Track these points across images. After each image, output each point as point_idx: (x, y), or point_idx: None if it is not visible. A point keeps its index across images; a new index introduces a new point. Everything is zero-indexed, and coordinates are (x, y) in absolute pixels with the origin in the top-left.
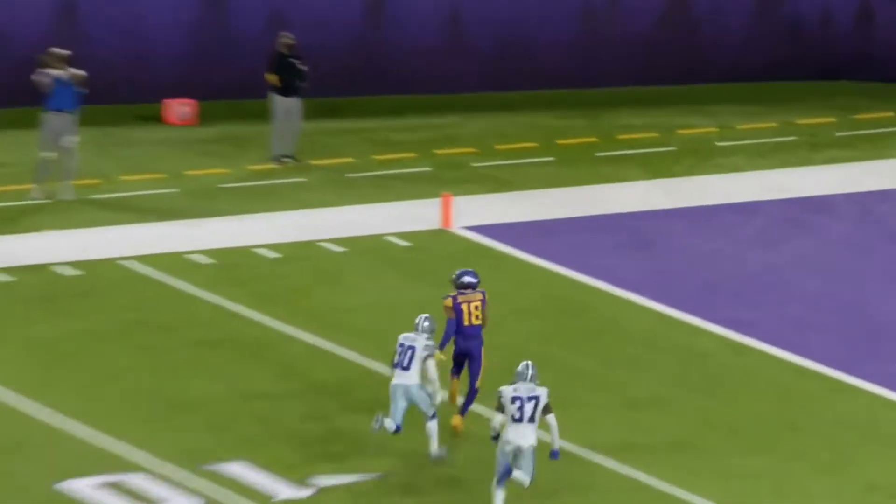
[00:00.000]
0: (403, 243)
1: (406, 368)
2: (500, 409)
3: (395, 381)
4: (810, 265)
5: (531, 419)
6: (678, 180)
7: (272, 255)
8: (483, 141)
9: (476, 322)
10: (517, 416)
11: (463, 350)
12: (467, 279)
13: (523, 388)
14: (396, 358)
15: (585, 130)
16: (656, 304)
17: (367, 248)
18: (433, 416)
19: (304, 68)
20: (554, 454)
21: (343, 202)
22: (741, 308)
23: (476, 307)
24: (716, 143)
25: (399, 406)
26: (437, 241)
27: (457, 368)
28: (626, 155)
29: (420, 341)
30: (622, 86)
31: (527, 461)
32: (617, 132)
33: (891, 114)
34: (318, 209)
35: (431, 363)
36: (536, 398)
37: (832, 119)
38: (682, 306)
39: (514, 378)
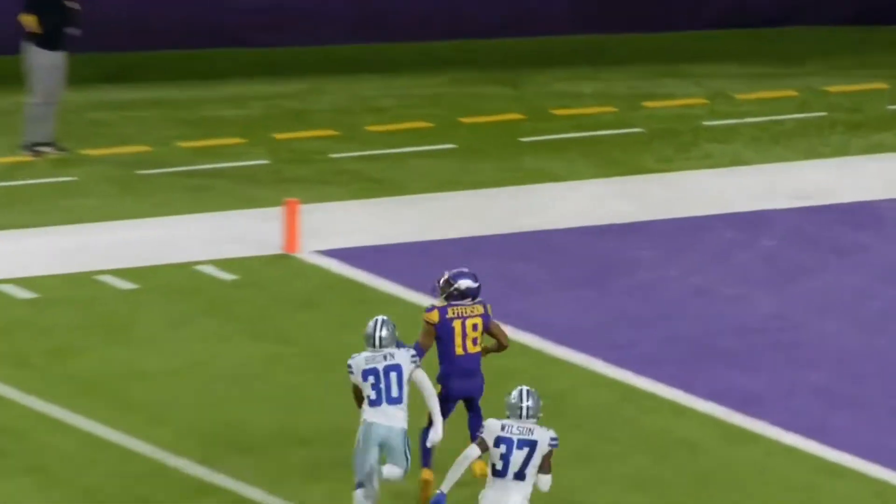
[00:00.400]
0: (225, 276)
1: (396, 400)
2: (481, 444)
3: (373, 419)
4: (843, 309)
5: (519, 475)
6: (646, 179)
7: (23, 294)
8: (347, 119)
9: (475, 349)
10: (499, 467)
11: (458, 393)
12: (465, 283)
13: (516, 428)
14: (372, 393)
15: (504, 103)
16: (613, 370)
17: (170, 285)
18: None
19: (75, 6)
20: None
21: (133, 213)
22: (740, 374)
23: (475, 326)
24: (704, 121)
25: (370, 458)
26: (276, 273)
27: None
28: (566, 140)
29: (402, 355)
30: (561, 34)
31: None
32: (553, 105)
33: None
34: (95, 224)
35: (423, 375)
36: (531, 445)
37: (881, 85)
38: (652, 372)
39: (506, 411)
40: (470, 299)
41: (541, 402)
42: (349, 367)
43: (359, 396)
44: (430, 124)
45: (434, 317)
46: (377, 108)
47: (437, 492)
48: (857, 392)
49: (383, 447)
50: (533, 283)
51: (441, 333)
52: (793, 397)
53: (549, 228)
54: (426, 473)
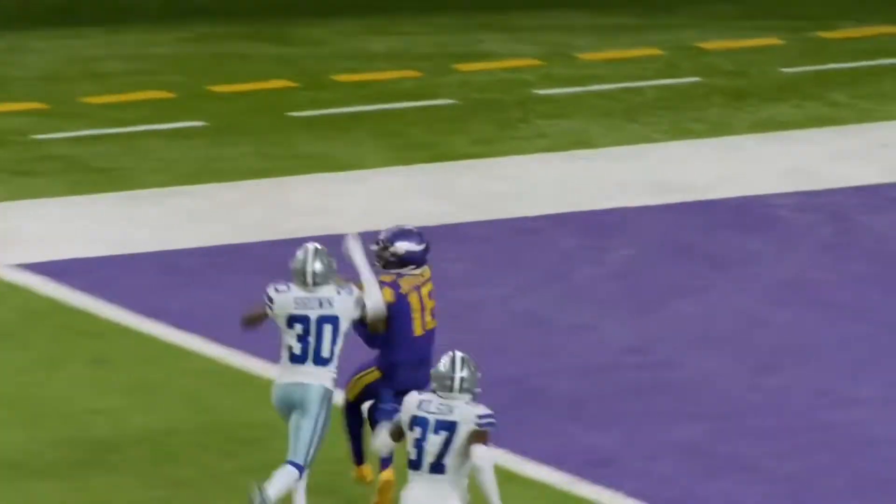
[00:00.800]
0: None
1: (326, 361)
2: (396, 432)
3: (287, 378)
4: (725, 341)
5: (436, 467)
6: (459, 167)
7: None
8: (57, 88)
9: (433, 324)
10: (413, 456)
11: (407, 385)
12: (404, 246)
13: (434, 405)
14: (297, 347)
15: (269, 65)
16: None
17: None
18: (303, 467)
19: None
20: None
21: None
22: (585, 429)
23: (431, 294)
24: (537, 90)
25: (293, 427)
26: None
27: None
28: (352, 115)
29: (342, 302)
30: None
31: None
32: (334, 69)
33: (888, 28)
34: None
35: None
36: (450, 428)
37: (773, 41)
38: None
39: (432, 383)
40: (414, 266)
41: (479, 375)
42: (270, 300)
43: (256, 320)
44: (171, 94)
45: (388, 296)
46: (98, 72)
47: None
48: (741, 452)
49: (292, 406)
50: None
51: (395, 313)
52: (656, 459)
53: (329, 233)
54: (386, 474)
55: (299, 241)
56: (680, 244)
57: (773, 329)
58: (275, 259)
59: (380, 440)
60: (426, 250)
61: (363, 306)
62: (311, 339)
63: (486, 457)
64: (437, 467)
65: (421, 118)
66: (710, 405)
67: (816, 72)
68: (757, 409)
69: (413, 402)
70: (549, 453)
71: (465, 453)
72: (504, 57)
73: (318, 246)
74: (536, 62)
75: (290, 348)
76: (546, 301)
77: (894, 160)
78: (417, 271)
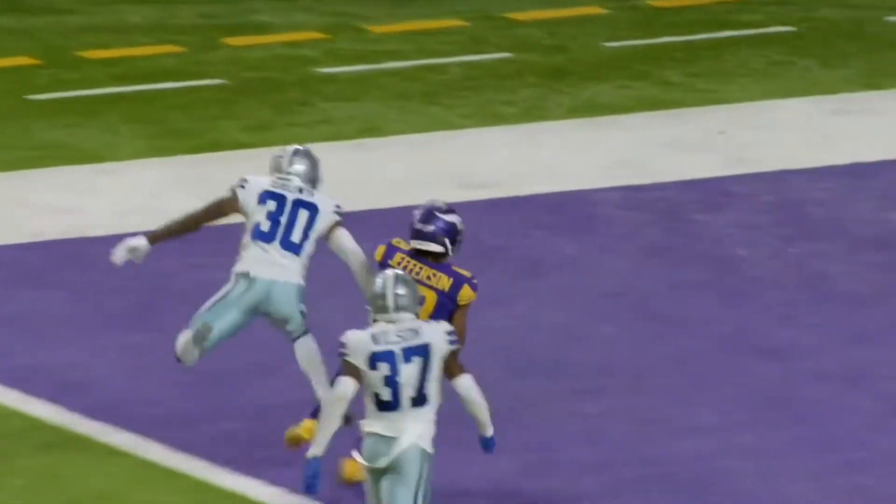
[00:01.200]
0: None
1: (294, 248)
2: (352, 370)
3: (254, 269)
4: (540, 359)
5: (419, 400)
6: (230, 158)
7: None
8: None
9: None
10: (386, 396)
11: None
12: (414, 214)
13: (394, 334)
14: (265, 223)
15: (5, 39)
16: (190, 461)
17: None
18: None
19: None
20: (488, 443)
21: None
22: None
23: (425, 279)
24: (320, 68)
25: (224, 322)
26: None
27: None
28: (102, 98)
29: (324, 200)
30: None
31: (404, 484)
32: (80, 44)
33: None
34: None
35: (348, 239)
36: (423, 351)
37: (597, 10)
38: (240, 462)
39: (371, 309)
40: (413, 251)
41: (419, 293)
42: (244, 180)
43: (220, 211)
44: None
45: (378, 252)
46: None
47: (310, 459)
48: (557, 489)
49: (258, 310)
50: (51, 318)
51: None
52: (458, 498)
53: (78, 236)
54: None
55: (40, 245)
56: (486, 247)
57: (593, 346)
58: (11, 266)
59: (340, 390)
60: (436, 234)
61: (340, 219)
62: (283, 219)
63: (473, 387)
64: (420, 400)
65: (183, 101)
66: (520, 435)
67: (646, 46)
68: (575, 440)
69: (362, 339)
70: (329, 492)
71: (445, 378)
72: (281, 29)
73: (304, 147)
74: (319, 35)
75: (258, 225)
76: (329, 314)
77: (735, 149)
78: (432, 267)
